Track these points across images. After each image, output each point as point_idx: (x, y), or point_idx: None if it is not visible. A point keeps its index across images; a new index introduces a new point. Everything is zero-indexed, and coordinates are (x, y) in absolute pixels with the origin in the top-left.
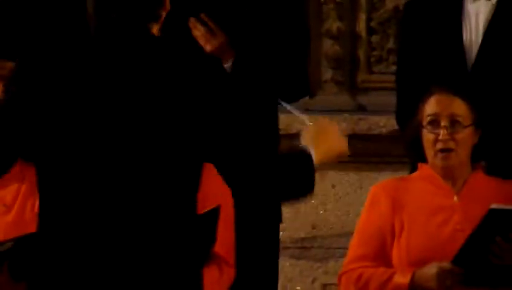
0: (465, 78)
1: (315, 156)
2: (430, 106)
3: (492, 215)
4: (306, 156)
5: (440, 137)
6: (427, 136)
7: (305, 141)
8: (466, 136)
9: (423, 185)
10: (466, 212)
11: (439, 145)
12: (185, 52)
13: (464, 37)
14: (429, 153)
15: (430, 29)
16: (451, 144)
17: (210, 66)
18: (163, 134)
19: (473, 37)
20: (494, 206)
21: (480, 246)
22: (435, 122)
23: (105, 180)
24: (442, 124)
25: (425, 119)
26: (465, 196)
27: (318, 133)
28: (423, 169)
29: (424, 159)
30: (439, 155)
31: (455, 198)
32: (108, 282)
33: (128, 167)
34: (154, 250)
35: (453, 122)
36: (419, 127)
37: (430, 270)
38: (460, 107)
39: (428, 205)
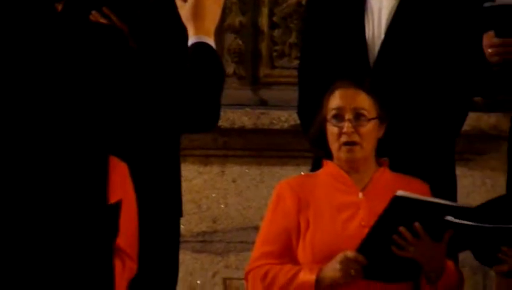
0: (367, 73)
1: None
2: (335, 100)
3: (396, 203)
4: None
5: (344, 130)
6: (331, 129)
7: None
8: (370, 129)
9: (328, 182)
10: (371, 208)
11: (344, 139)
12: (90, 36)
13: (367, 32)
14: (334, 147)
15: (333, 24)
16: (356, 137)
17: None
18: (67, 124)
19: (376, 32)
20: (399, 193)
21: (383, 234)
22: (339, 116)
23: (8, 169)
24: (347, 117)
25: (330, 113)
26: (370, 192)
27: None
28: (328, 166)
29: (329, 155)
30: (344, 148)
31: (360, 194)
32: (14, 276)
33: (31, 158)
34: (60, 243)
35: (358, 116)
36: (324, 121)
37: (335, 259)
38: (364, 101)
39: (333, 202)
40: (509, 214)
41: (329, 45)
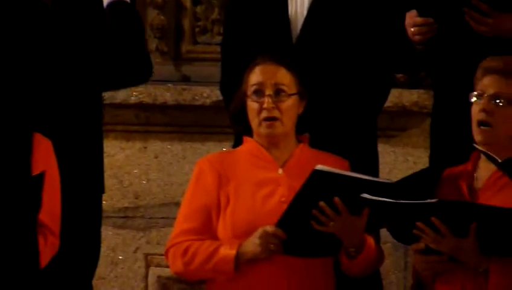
0: (290, 50)
1: None
2: (255, 76)
3: (315, 177)
4: None
5: (264, 105)
6: (252, 105)
7: None
8: (290, 105)
9: (248, 158)
10: (290, 184)
11: (264, 114)
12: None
13: (290, 9)
14: (254, 122)
15: (256, 1)
16: (276, 113)
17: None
18: None
19: (299, 10)
20: (318, 167)
21: (303, 209)
22: (259, 92)
23: None
24: (267, 92)
25: (250, 89)
26: (290, 168)
27: None
28: (248, 142)
29: (249, 131)
30: (264, 124)
31: (280, 171)
32: None
33: None
34: None
35: (278, 91)
36: (244, 97)
37: (255, 234)
38: (284, 77)
39: (253, 178)
40: (427, 189)
41: (251, 21)
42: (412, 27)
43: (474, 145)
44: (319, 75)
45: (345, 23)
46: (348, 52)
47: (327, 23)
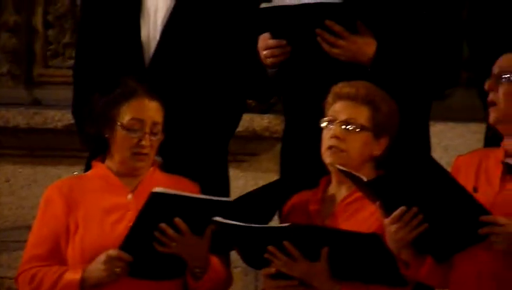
0: (142, 73)
1: None
2: (133, 110)
3: (154, 199)
4: None
5: (143, 142)
6: (125, 136)
7: None
8: (159, 139)
9: (98, 184)
10: (140, 209)
11: (138, 149)
12: None
13: (142, 33)
14: (123, 153)
15: (108, 24)
16: (148, 149)
17: None
18: None
19: (151, 33)
20: (156, 189)
21: (144, 231)
22: (137, 127)
23: None
24: (146, 130)
25: (126, 121)
26: (139, 193)
27: None
28: (98, 167)
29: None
30: (135, 158)
31: (129, 196)
32: None
33: None
34: None
35: (153, 128)
36: (112, 123)
37: (99, 259)
38: (159, 114)
39: (102, 204)
40: (269, 207)
41: (103, 45)
42: (265, 50)
43: (338, 166)
44: (172, 98)
45: (198, 48)
46: (199, 76)
47: (180, 47)
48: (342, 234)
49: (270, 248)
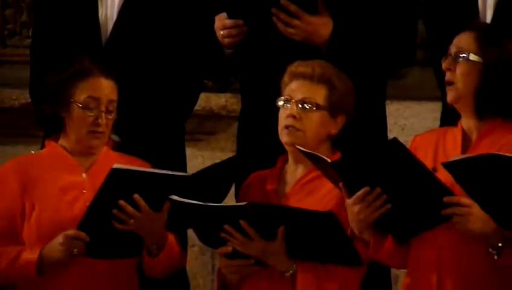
0: (99, 53)
1: None
2: (89, 88)
3: (114, 175)
4: None
5: (99, 121)
6: (82, 115)
7: None
8: (114, 118)
9: (53, 163)
10: (95, 188)
11: (94, 128)
12: None
13: (100, 13)
14: (80, 131)
15: (65, 4)
16: (104, 128)
17: None
18: None
19: (109, 13)
20: (116, 166)
21: (103, 209)
22: (93, 105)
23: None
24: (102, 108)
25: (82, 99)
26: (94, 172)
27: None
28: (51, 146)
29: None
30: (91, 135)
31: (84, 175)
32: None
33: None
34: None
35: (109, 107)
36: (68, 102)
37: (56, 239)
38: (114, 93)
39: (58, 183)
40: (225, 181)
41: (61, 24)
42: (222, 30)
43: (298, 147)
44: (128, 78)
45: (155, 28)
46: (157, 56)
47: (137, 26)
48: (298, 213)
49: (227, 227)
